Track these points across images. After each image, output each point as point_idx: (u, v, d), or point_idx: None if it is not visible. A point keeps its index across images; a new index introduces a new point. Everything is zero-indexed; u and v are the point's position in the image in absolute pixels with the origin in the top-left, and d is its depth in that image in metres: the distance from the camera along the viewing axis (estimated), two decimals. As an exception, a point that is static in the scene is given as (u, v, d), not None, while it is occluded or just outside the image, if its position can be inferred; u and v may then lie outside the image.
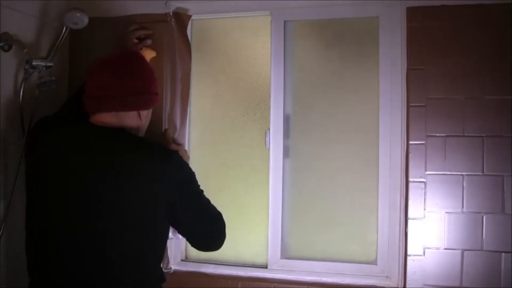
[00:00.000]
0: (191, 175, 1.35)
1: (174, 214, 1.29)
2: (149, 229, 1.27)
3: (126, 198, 1.23)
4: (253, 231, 1.76)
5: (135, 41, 1.66)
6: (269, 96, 1.74)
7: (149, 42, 1.68)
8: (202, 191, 1.37)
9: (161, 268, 1.36)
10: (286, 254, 1.72)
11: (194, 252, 1.80)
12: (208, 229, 1.39)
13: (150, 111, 1.42)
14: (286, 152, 1.73)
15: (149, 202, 1.25)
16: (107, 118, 1.31)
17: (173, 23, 1.71)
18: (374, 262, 1.64)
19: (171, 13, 1.72)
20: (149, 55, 1.70)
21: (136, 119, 1.35)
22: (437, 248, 1.53)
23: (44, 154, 1.30)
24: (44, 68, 1.55)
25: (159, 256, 1.34)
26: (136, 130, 1.37)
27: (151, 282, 1.30)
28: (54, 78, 1.56)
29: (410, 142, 1.56)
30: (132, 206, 1.23)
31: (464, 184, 1.52)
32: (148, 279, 1.29)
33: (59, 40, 1.62)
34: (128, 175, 1.23)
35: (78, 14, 1.52)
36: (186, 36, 1.74)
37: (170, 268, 1.73)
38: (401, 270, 1.57)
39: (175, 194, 1.28)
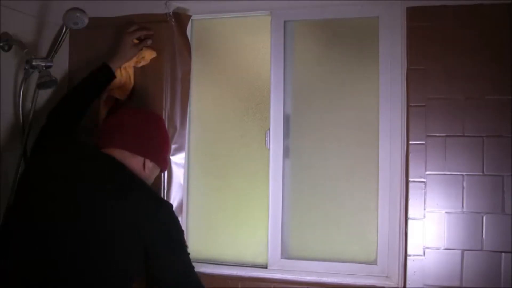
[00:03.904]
0: (179, 231, 1.31)
1: (153, 267, 1.23)
2: (116, 267, 1.21)
3: (105, 225, 1.20)
4: (253, 231, 1.76)
5: (135, 41, 1.66)
6: (269, 96, 1.74)
7: (149, 42, 1.69)
8: (188, 253, 1.32)
9: None
10: (286, 254, 1.72)
11: (194, 252, 1.79)
12: None
13: (155, 172, 1.43)
14: (286, 152, 1.73)
15: (128, 240, 1.20)
16: (111, 152, 1.33)
17: (173, 23, 1.71)
18: (374, 262, 1.64)
19: (171, 13, 1.72)
20: (149, 55, 1.70)
21: (140, 166, 1.36)
22: (437, 248, 1.53)
23: (44, 165, 1.31)
24: (44, 68, 1.55)
25: None
26: None
27: None
28: (54, 78, 1.56)
29: (410, 142, 1.56)
30: (109, 237, 1.19)
31: (464, 184, 1.52)
32: None
33: (59, 40, 1.62)
34: (116, 205, 1.21)
35: (78, 14, 1.52)
36: (186, 36, 1.74)
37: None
38: (401, 270, 1.57)
39: (158, 243, 1.23)
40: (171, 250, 1.27)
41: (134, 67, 1.71)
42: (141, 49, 1.68)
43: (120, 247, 1.21)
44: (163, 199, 1.36)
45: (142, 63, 1.70)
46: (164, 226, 1.26)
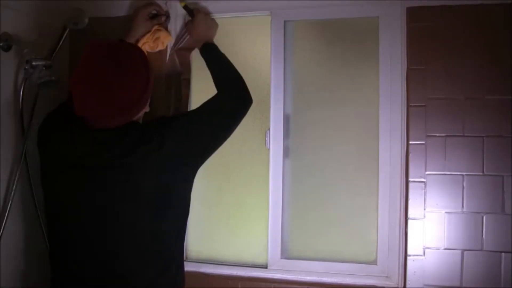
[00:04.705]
0: (182, 117, 1.38)
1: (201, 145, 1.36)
2: (166, 212, 1.28)
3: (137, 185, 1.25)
4: (253, 231, 1.76)
5: (148, 19, 1.63)
6: (269, 96, 1.74)
7: (163, 18, 1.66)
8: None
9: (182, 264, 1.38)
10: (286, 254, 1.72)
11: (194, 252, 1.80)
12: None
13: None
14: (286, 152, 1.73)
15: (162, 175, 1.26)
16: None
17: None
18: (374, 262, 1.64)
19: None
20: (165, 37, 1.67)
21: (142, 112, 1.36)
22: (437, 248, 1.53)
23: (58, 152, 1.30)
24: (44, 68, 1.55)
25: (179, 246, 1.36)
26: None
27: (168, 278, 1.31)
28: (54, 78, 1.56)
29: (410, 142, 1.57)
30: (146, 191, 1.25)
31: (464, 184, 1.52)
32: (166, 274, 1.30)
33: (59, 40, 1.62)
34: (134, 163, 1.24)
35: (78, 14, 1.52)
36: (186, 36, 1.74)
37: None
38: (401, 270, 1.57)
39: (183, 145, 1.30)
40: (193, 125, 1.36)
41: (150, 52, 1.68)
42: (156, 29, 1.65)
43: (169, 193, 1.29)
44: (149, 123, 1.34)
45: (159, 47, 1.67)
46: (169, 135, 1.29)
